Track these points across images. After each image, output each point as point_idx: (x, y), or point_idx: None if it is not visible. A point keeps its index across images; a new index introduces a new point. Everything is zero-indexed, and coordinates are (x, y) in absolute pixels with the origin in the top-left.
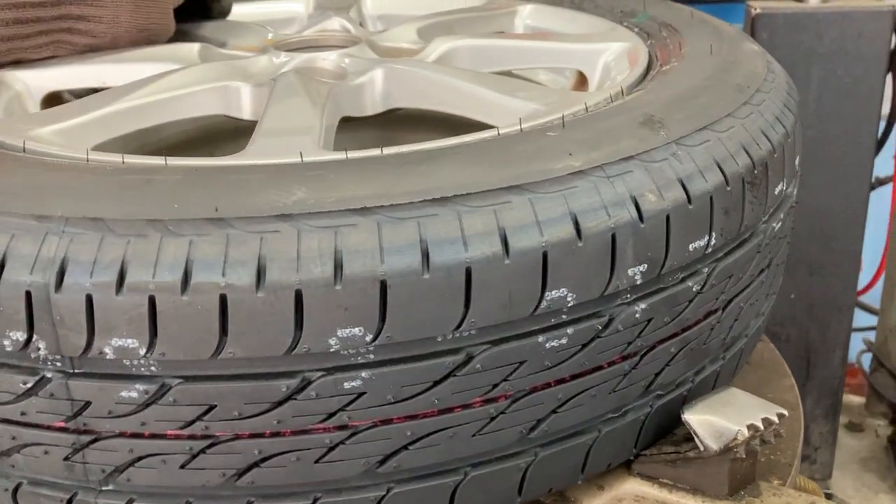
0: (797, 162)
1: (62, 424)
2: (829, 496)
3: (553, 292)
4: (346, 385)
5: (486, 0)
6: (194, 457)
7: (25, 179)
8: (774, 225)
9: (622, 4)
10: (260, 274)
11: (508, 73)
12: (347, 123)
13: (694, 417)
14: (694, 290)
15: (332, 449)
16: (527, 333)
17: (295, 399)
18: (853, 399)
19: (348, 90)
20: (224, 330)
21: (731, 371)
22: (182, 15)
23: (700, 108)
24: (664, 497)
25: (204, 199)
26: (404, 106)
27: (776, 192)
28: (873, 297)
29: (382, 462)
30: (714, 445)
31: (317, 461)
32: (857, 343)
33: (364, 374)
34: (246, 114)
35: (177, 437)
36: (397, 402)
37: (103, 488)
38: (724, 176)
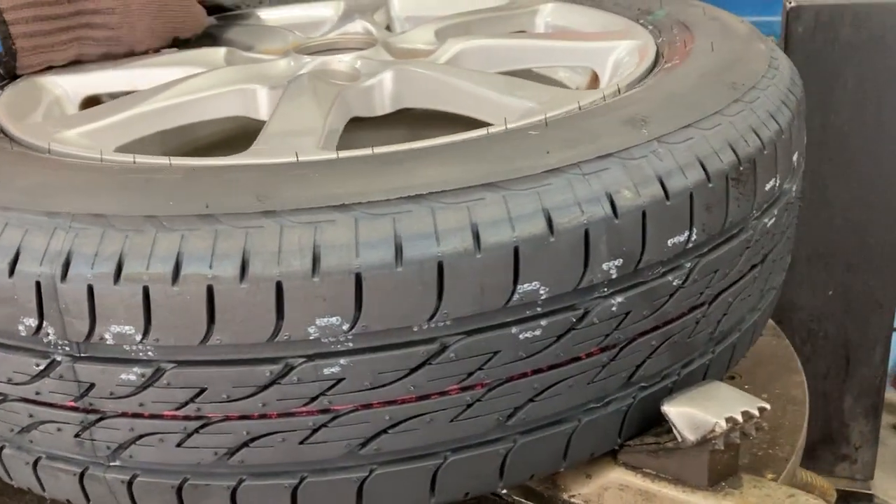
0: (795, 158)
1: (71, 404)
2: (869, 497)
3: (525, 285)
4: (326, 371)
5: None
6: (189, 436)
7: (42, 179)
8: (767, 221)
9: (640, 2)
10: (244, 266)
11: (530, 72)
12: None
13: (673, 409)
14: (675, 284)
15: (315, 431)
16: (500, 325)
17: (279, 383)
18: None
19: (358, 91)
20: (211, 318)
21: (724, 365)
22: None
23: (687, 105)
24: (647, 486)
25: (196, 197)
26: (413, 106)
27: (767, 189)
28: None
29: (364, 444)
30: (691, 437)
31: (301, 442)
32: None
33: (342, 360)
34: (262, 115)
35: (173, 418)
36: (375, 388)
37: (111, 464)
38: (706, 172)
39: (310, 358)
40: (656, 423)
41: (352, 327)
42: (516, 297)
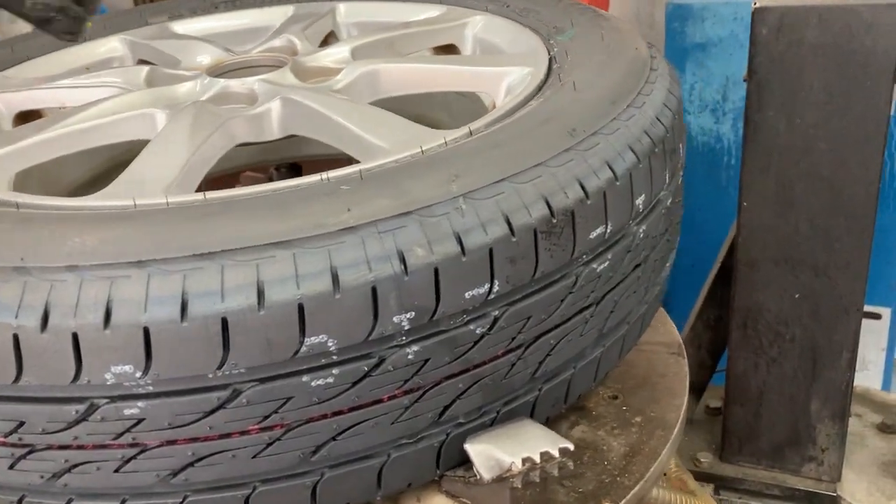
0: (641, 201)
1: None
2: (834, 499)
3: (313, 338)
4: (127, 412)
5: (446, 10)
6: (17, 461)
7: None
8: (596, 266)
9: (558, 19)
10: (46, 318)
11: None
12: None
13: (474, 447)
14: (478, 332)
15: (126, 462)
16: (292, 373)
17: (87, 420)
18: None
19: (246, 118)
20: (19, 362)
21: (560, 399)
22: None
23: (510, 156)
24: None
25: (17, 249)
26: (299, 133)
27: (592, 237)
28: None
29: (173, 475)
30: (486, 475)
31: (115, 471)
32: None
33: (140, 403)
34: None
35: (3, 444)
36: (175, 428)
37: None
38: (511, 227)
39: (112, 399)
40: None
41: (144, 374)
42: (304, 349)
